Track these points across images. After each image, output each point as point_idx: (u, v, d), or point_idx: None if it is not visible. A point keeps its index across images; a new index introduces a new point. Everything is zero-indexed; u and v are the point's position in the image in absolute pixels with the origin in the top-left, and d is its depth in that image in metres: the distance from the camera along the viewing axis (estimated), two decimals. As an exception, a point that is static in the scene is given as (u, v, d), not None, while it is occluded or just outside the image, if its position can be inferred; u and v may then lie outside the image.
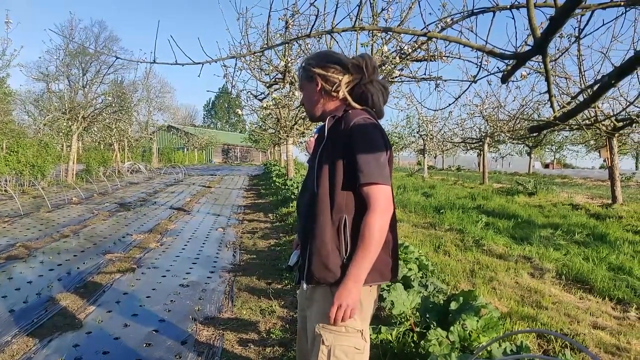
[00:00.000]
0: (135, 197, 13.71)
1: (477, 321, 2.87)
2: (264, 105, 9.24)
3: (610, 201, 11.59)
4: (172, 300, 4.45)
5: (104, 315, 4.01)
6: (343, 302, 1.65)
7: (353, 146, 1.71)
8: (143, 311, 4.14)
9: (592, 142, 31.66)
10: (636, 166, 58.44)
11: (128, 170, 25.82)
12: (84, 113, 19.38)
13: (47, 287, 4.71)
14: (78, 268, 5.49)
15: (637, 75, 7.47)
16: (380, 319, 3.60)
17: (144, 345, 3.44)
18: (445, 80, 5.24)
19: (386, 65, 5.05)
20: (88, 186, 16.59)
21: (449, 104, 5.02)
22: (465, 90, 4.10)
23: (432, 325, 2.98)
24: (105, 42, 51.91)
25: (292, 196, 10.90)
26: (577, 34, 3.96)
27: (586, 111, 9.62)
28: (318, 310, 1.79)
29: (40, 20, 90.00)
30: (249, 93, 9.37)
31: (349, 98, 1.81)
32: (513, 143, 31.83)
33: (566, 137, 36.26)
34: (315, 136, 2.09)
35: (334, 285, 1.74)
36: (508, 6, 2.43)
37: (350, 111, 1.80)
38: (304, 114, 13.11)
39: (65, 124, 19.52)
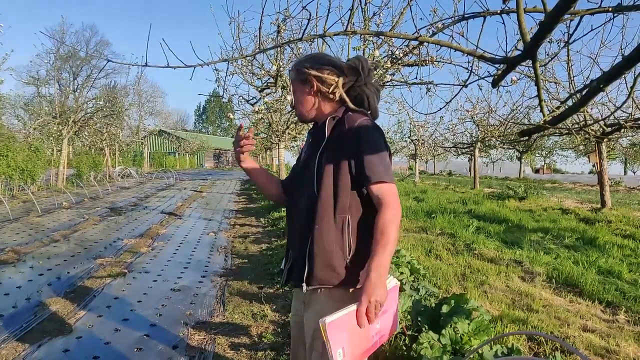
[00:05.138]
0: (126, 202, 13.64)
1: (469, 324, 2.88)
2: (256, 110, 9.23)
3: (599, 206, 11.69)
4: (163, 305, 4.42)
5: (95, 320, 3.98)
6: (372, 299, 1.57)
7: (359, 147, 1.72)
8: (134, 316, 4.12)
9: (581, 147, 32.05)
10: (625, 171, 59.05)
11: (119, 175, 25.65)
12: (75, 117, 19.25)
13: (36, 292, 4.67)
14: (68, 273, 5.44)
15: (625, 81, 7.57)
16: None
17: (135, 349, 3.41)
18: (436, 85, 5.28)
19: (378, 70, 5.08)
20: (79, 191, 16.48)
21: (440, 109, 5.03)
22: (455, 95, 4.14)
23: (424, 329, 2.98)
24: (97, 46, 51.82)
25: (284, 200, 10.87)
26: (566, 39, 4.01)
27: (575, 116, 9.73)
28: (318, 312, 1.72)
29: (31, 24, 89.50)
30: (241, 97, 9.38)
31: (347, 100, 1.81)
32: (504, 148, 32.02)
33: (556, 142, 36.66)
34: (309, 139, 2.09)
35: (338, 286, 1.73)
36: (498, 11, 2.46)
37: (350, 112, 1.81)
38: (296, 118, 13.14)
39: (55, 128, 19.39)
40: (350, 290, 1.75)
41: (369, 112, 1.86)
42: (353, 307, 1.61)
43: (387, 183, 1.69)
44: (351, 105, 1.82)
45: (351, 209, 1.74)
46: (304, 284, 1.77)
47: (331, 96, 1.85)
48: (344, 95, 1.81)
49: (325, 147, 1.81)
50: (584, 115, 9.81)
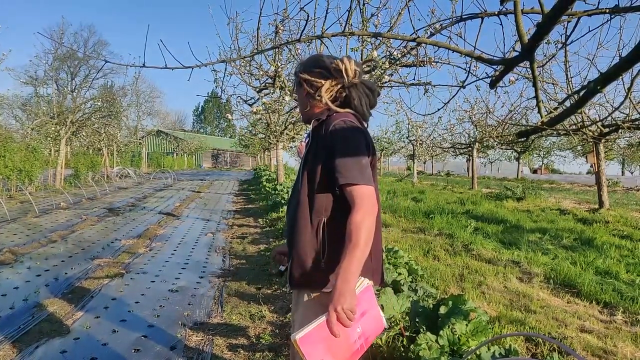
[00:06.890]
0: (124, 202, 13.61)
1: (466, 325, 2.88)
2: (254, 110, 9.23)
3: (597, 206, 11.72)
4: (161, 306, 4.42)
5: (92, 321, 3.97)
6: (338, 308, 1.51)
7: (332, 148, 1.70)
8: (132, 317, 4.11)
9: (579, 147, 32.11)
10: (622, 172, 59.17)
11: (117, 175, 25.62)
12: (73, 117, 19.21)
13: (34, 293, 4.66)
14: (66, 273, 5.43)
15: (623, 82, 7.58)
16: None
17: (133, 350, 3.40)
18: (434, 86, 5.28)
19: (376, 71, 5.08)
20: (76, 191, 16.44)
21: (438, 109, 5.06)
22: (454, 96, 4.15)
23: (421, 330, 2.98)
24: (95, 46, 51.81)
25: (282, 201, 10.89)
26: (563, 41, 4.01)
27: (573, 117, 9.75)
28: (303, 312, 1.79)
29: (29, 24, 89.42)
30: (239, 98, 9.38)
31: (329, 102, 1.81)
32: (502, 148, 32.08)
33: (554, 142, 36.72)
34: (306, 140, 2.12)
35: (313, 288, 1.75)
36: (496, 12, 2.46)
37: (333, 114, 1.81)
38: (294, 118, 13.15)
39: (53, 128, 19.34)
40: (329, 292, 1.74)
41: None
42: (323, 317, 1.57)
43: (358, 185, 1.64)
44: (333, 107, 1.82)
45: (327, 211, 1.74)
46: (287, 285, 1.85)
47: (318, 98, 1.86)
48: (326, 99, 1.81)
49: (309, 148, 1.84)
50: (582, 116, 9.83)
